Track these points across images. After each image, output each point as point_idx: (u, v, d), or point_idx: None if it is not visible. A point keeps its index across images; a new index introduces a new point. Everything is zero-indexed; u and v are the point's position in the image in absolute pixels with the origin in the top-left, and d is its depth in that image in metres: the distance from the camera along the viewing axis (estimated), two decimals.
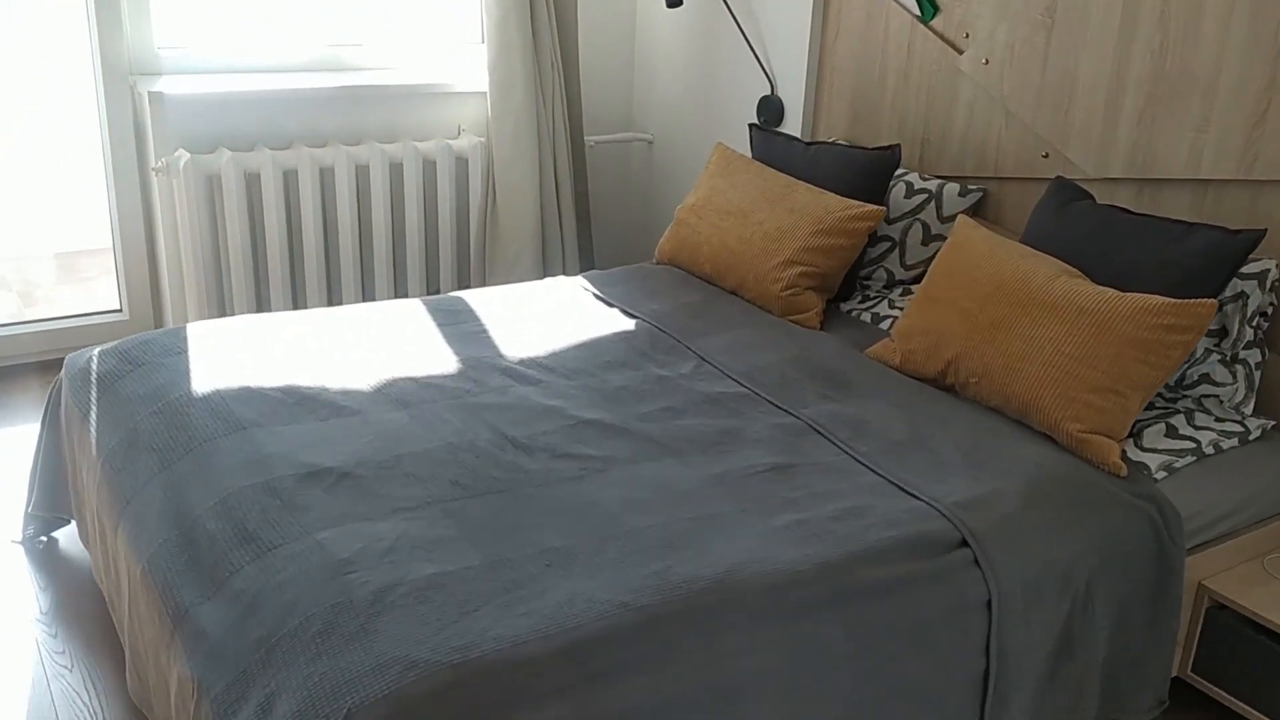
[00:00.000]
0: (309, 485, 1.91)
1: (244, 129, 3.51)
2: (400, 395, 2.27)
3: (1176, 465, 2.20)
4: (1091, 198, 2.57)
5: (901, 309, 2.85)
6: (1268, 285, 2.36)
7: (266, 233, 3.46)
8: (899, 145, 2.99)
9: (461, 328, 2.67)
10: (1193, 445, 2.23)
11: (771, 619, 1.68)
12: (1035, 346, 2.24)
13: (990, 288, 2.37)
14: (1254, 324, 2.37)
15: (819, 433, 2.23)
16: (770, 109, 3.69)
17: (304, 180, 3.45)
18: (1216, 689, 2.20)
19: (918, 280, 3.19)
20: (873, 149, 3.03)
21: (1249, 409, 2.38)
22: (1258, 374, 2.38)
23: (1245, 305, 2.36)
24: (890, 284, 3.08)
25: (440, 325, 2.68)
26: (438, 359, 2.47)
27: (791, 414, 2.30)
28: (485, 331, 2.66)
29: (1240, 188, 2.47)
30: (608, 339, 2.64)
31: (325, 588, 1.64)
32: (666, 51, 4.11)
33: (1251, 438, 2.33)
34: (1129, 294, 2.20)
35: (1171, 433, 2.26)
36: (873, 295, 2.97)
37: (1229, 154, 2.47)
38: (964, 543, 1.90)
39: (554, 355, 2.54)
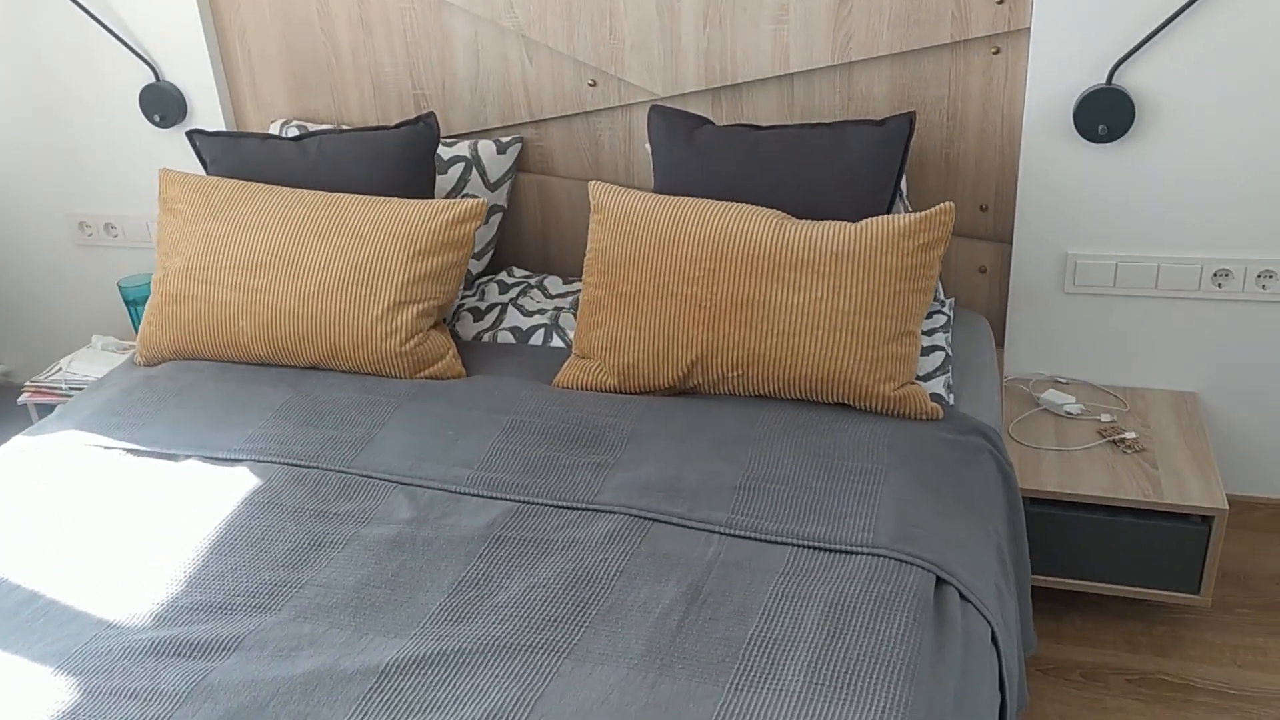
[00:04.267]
0: None
1: None
2: None
3: (951, 381, 2.05)
4: (708, 121, 2.23)
5: (542, 312, 2.29)
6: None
7: None
8: (432, 113, 2.33)
9: None
10: (943, 353, 2.10)
11: None
12: (808, 314, 1.89)
13: (710, 263, 1.94)
14: (907, 201, 2.27)
15: (650, 519, 1.67)
16: (164, 103, 2.71)
17: None
18: (1040, 576, 2.17)
19: (495, 268, 2.63)
20: (398, 125, 2.33)
21: (940, 293, 2.31)
22: None
23: (900, 189, 2.24)
24: (470, 284, 2.47)
25: None
26: (9, 684, 1.38)
27: (593, 509, 1.70)
28: (29, 595, 1.57)
29: (829, 74, 2.31)
30: (242, 515, 1.72)
31: None
32: None
33: (953, 320, 2.27)
34: (867, 222, 1.93)
35: (922, 350, 2.10)
36: (483, 307, 2.35)
37: (817, 42, 2.28)
38: (940, 581, 1.55)
39: (196, 580, 1.58)
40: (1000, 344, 2.44)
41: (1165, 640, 2.14)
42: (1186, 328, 2.31)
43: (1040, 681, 2.07)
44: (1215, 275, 2.24)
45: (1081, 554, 2.12)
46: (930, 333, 2.16)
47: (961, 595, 1.54)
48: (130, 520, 1.72)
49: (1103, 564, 2.12)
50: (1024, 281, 2.36)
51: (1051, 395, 2.33)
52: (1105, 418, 2.28)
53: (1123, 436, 2.20)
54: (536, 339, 2.24)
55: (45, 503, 1.78)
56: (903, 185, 2.24)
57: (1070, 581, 2.15)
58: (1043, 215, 2.29)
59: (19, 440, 1.99)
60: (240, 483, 1.80)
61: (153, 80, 2.71)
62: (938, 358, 2.08)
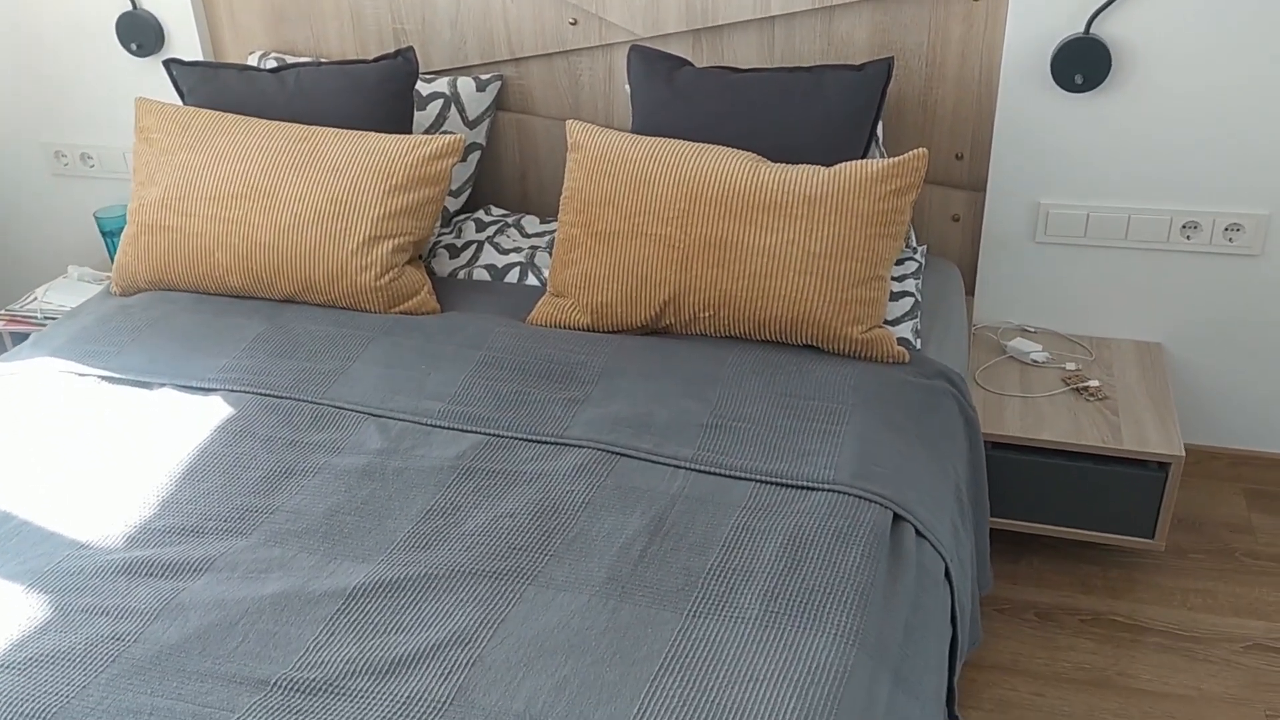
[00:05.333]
0: None
1: None
2: None
3: (919, 327, 2.08)
4: (688, 63, 2.23)
5: (518, 250, 2.30)
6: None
7: None
8: (411, 48, 2.32)
9: None
10: (913, 299, 2.13)
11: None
12: (779, 256, 1.91)
13: (684, 203, 1.96)
14: (883, 147, 2.29)
15: (618, 454, 1.70)
16: (141, 31, 2.68)
17: None
18: (999, 519, 2.22)
19: (473, 207, 2.64)
20: (376, 59, 2.33)
21: (913, 239, 2.33)
22: None
23: (877, 135, 2.25)
24: (448, 222, 2.48)
25: None
26: None
27: (562, 443, 1.73)
28: (2, 515, 1.59)
29: (810, 18, 2.31)
30: (215, 442, 1.74)
31: None
32: None
33: (924, 267, 2.29)
34: (841, 166, 1.95)
35: (890, 295, 2.13)
36: (459, 245, 2.36)
37: None
38: (897, 518, 1.59)
39: (169, 504, 1.61)
40: (970, 292, 2.47)
41: (1119, 583, 2.20)
42: (1154, 279, 2.34)
43: (995, 620, 2.12)
44: (1184, 227, 2.27)
45: (1041, 498, 2.16)
46: (901, 279, 2.18)
47: (918, 532, 1.59)
48: (104, 446, 1.74)
49: (1061, 508, 2.16)
50: (996, 230, 2.39)
51: (1019, 343, 2.37)
52: (1070, 366, 2.32)
53: (1086, 385, 2.24)
54: (512, 277, 2.25)
55: (18, 428, 1.80)
56: (879, 131, 2.25)
57: (1029, 525, 2.20)
58: (1017, 164, 2.31)
59: None
60: (214, 411, 1.82)
61: (129, 8, 2.69)
62: (907, 303, 2.11)
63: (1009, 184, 2.33)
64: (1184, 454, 2.05)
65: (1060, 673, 2.00)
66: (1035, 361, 2.34)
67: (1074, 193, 2.31)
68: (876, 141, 2.25)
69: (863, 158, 2.11)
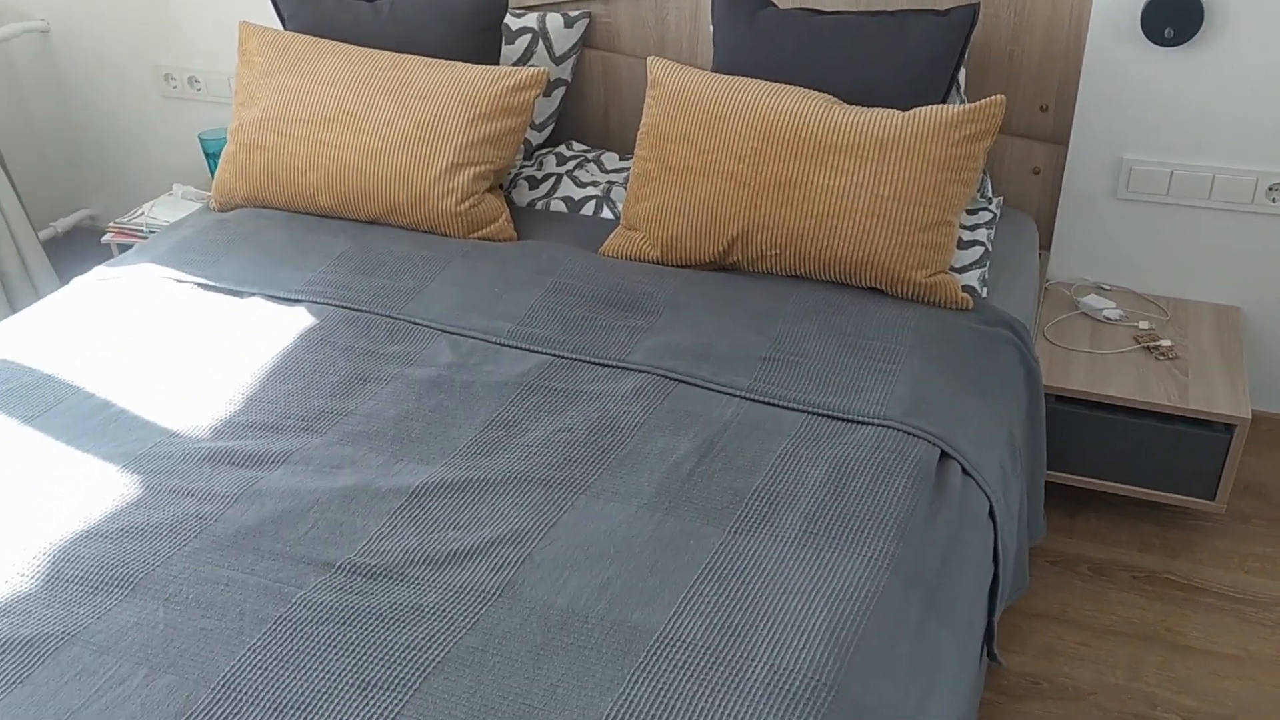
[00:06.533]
0: None
1: None
2: (90, 571, 1.37)
3: (987, 276, 2.09)
4: (771, 4, 2.25)
5: (595, 185, 2.36)
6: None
7: None
8: None
9: (57, 411, 1.69)
10: (983, 249, 2.13)
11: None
12: (847, 197, 1.93)
13: (757, 142, 1.99)
14: (964, 95, 2.28)
15: (677, 380, 1.76)
16: None
17: None
18: (1059, 474, 2.23)
19: (556, 141, 2.69)
20: None
21: (989, 190, 2.33)
22: None
23: (958, 82, 2.25)
24: (530, 155, 2.54)
25: (9, 414, 1.68)
26: (83, 478, 1.53)
27: (623, 367, 1.79)
28: (101, 403, 1.71)
29: None
30: (297, 349, 1.85)
31: None
32: None
33: (998, 218, 2.29)
34: (916, 111, 1.96)
35: (960, 243, 2.14)
36: (539, 177, 2.43)
37: None
38: (944, 455, 1.62)
39: (253, 402, 1.71)
40: (1046, 247, 2.45)
41: (1177, 544, 2.20)
42: (1236, 241, 2.30)
43: (1047, 571, 2.14)
44: (1270, 189, 2.22)
45: (1103, 455, 2.17)
46: (973, 228, 2.18)
47: (964, 470, 1.62)
48: (196, 346, 1.86)
49: (1123, 466, 2.16)
50: (1077, 185, 2.36)
51: (1092, 300, 2.35)
52: (1143, 325, 2.30)
53: (1158, 344, 2.23)
54: (588, 210, 2.31)
55: (120, 325, 1.93)
56: (960, 79, 2.24)
57: (1089, 480, 2.20)
58: (1102, 118, 2.28)
59: (100, 270, 2.14)
60: (298, 320, 1.92)
61: None
62: (976, 252, 2.11)
63: (1093, 138, 2.30)
64: (1250, 417, 2.02)
65: (1107, 625, 2.02)
66: (1107, 319, 2.32)
67: (1158, 150, 2.27)
68: (958, 89, 2.24)
69: (942, 104, 2.11)
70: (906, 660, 1.30)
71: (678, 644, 1.26)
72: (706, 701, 1.19)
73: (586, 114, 2.71)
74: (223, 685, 1.21)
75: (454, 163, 2.17)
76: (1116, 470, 2.17)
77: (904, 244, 1.92)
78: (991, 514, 1.64)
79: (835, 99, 2.04)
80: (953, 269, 2.07)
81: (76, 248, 3.30)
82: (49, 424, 1.67)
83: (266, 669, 1.23)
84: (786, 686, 1.20)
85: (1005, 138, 2.36)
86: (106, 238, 2.72)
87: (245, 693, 1.21)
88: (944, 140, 1.92)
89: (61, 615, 1.31)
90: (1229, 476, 2.09)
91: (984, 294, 2.04)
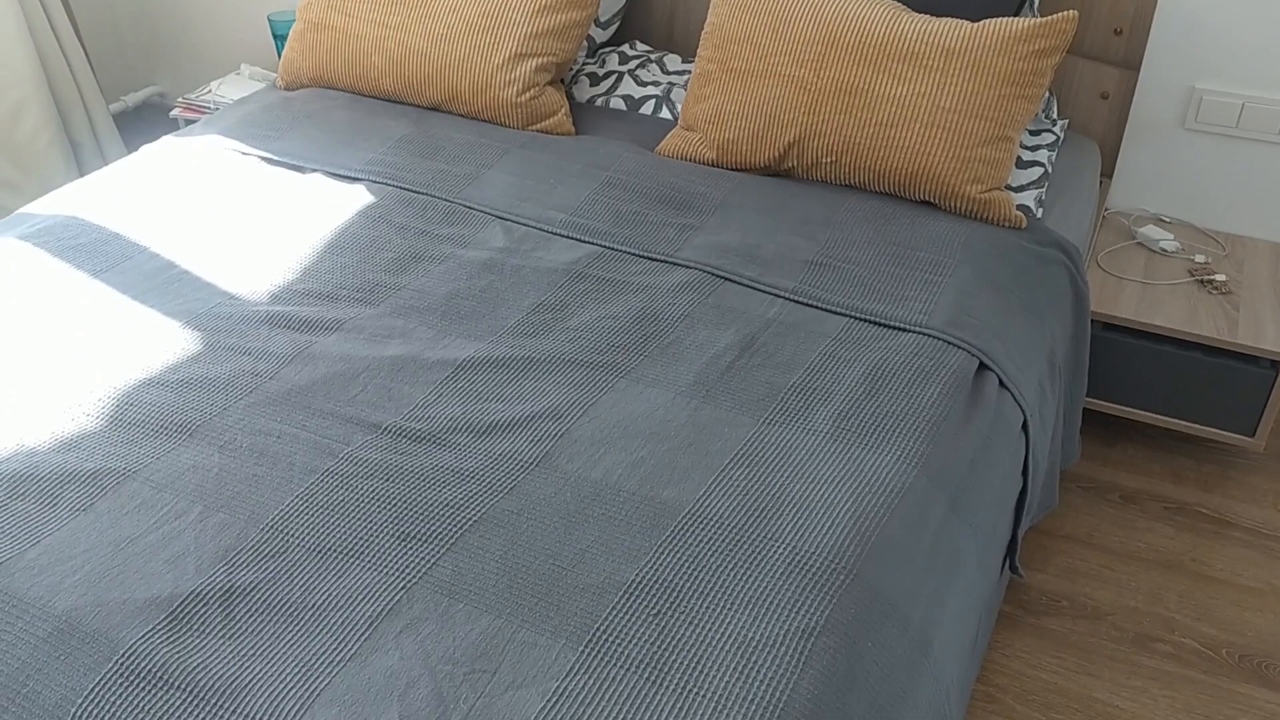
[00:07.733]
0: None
1: None
2: (151, 416, 1.44)
3: (1044, 198, 2.07)
4: None
5: (655, 84, 2.36)
6: None
7: None
8: None
9: (124, 267, 1.76)
10: (1042, 170, 2.11)
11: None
12: (908, 107, 1.92)
13: (820, 47, 1.98)
14: (1037, 11, 2.24)
15: (723, 278, 1.78)
16: None
17: None
18: (1099, 401, 2.23)
19: (619, 41, 2.69)
20: None
21: (1054, 111, 2.30)
22: None
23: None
24: (593, 52, 2.54)
25: (78, 268, 1.75)
26: (147, 331, 1.60)
27: (670, 261, 1.82)
28: (166, 263, 1.78)
29: None
30: (355, 224, 1.89)
31: None
32: None
33: (1061, 141, 2.26)
34: (986, 22, 1.93)
35: (1019, 163, 2.12)
36: (601, 74, 2.43)
37: None
38: (982, 366, 1.64)
39: (310, 271, 1.77)
40: (1109, 175, 2.42)
41: (1212, 478, 2.20)
42: None
43: (1078, 496, 2.16)
44: None
45: (1146, 385, 2.16)
46: (1034, 148, 2.16)
47: (1001, 383, 1.63)
48: (258, 216, 1.91)
49: (1165, 397, 2.16)
50: (1145, 112, 2.32)
51: (1150, 230, 2.33)
52: (1200, 258, 2.28)
53: (1212, 278, 2.20)
54: (647, 109, 2.32)
55: (186, 191, 1.98)
56: None
57: (1128, 409, 2.20)
58: (1175, 44, 2.23)
59: (168, 139, 2.19)
60: (357, 198, 1.96)
61: None
62: (1035, 172, 2.10)
63: (1165, 64, 2.26)
64: None
65: (1133, 551, 2.04)
66: (1164, 250, 2.30)
67: (1231, 80, 2.22)
68: (1030, 4, 2.20)
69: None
70: (926, 555, 1.34)
71: (705, 521, 1.30)
72: (729, 575, 1.23)
73: (652, 15, 2.69)
74: (271, 527, 1.28)
75: (517, 53, 2.18)
76: (1158, 401, 2.17)
77: (962, 157, 1.91)
78: (1025, 428, 1.65)
79: (903, 7, 2.02)
80: (1009, 187, 2.06)
81: (145, 123, 3.37)
82: (116, 279, 1.74)
83: (312, 515, 1.30)
84: (807, 567, 1.24)
85: (1076, 60, 2.32)
86: (175, 112, 2.77)
87: (292, 535, 1.27)
88: (1011, 54, 1.90)
89: (123, 453, 1.39)
90: (1271, 414, 2.08)
91: (1039, 215, 2.03)
